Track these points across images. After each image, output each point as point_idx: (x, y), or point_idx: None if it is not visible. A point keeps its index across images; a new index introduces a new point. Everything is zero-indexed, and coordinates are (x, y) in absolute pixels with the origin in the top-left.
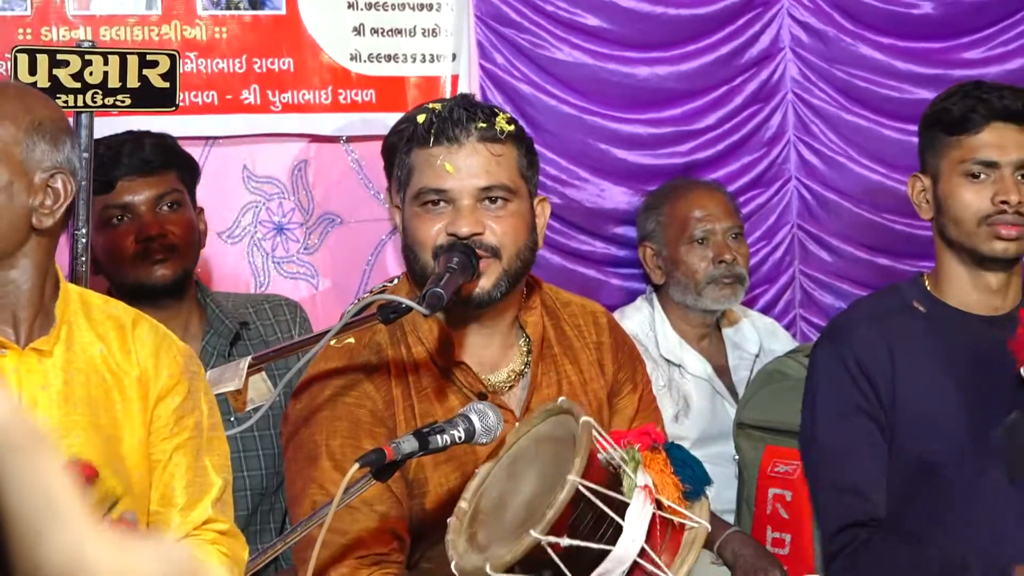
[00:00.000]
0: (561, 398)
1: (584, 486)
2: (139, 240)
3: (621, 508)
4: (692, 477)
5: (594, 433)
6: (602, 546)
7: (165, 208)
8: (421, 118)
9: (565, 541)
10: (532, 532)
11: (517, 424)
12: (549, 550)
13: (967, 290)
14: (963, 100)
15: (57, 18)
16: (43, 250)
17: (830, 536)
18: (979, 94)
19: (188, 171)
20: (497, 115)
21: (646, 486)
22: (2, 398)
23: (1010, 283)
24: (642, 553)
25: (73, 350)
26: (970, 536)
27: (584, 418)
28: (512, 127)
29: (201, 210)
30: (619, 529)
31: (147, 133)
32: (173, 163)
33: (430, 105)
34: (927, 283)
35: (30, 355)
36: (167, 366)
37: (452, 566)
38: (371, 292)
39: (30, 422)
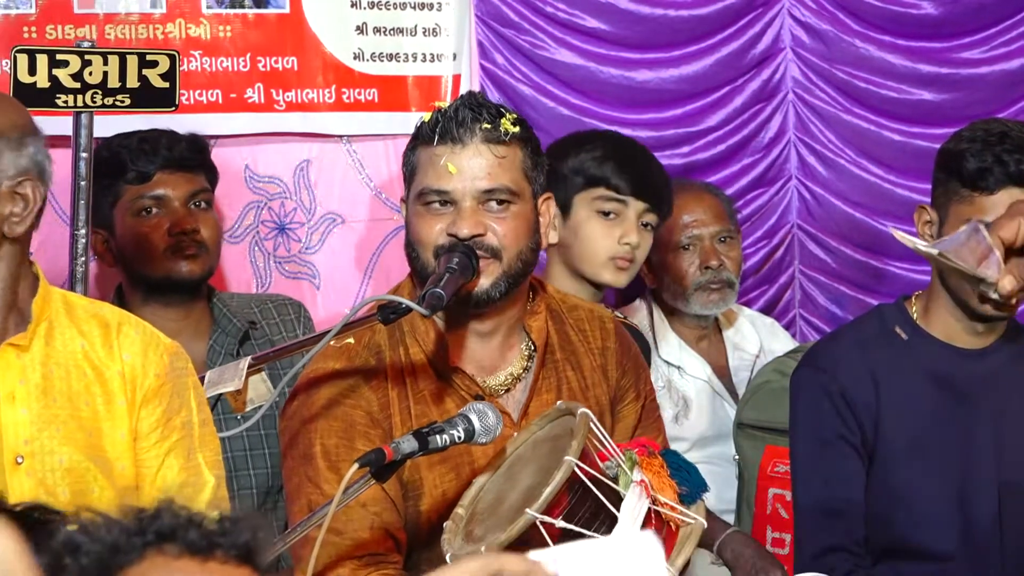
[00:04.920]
0: (559, 402)
1: (580, 467)
2: (172, 233)
3: (617, 502)
4: (689, 481)
5: (591, 425)
6: (596, 535)
7: (195, 206)
8: (427, 116)
9: (560, 523)
10: (528, 511)
11: (515, 434)
12: (543, 531)
13: (954, 328)
14: (981, 154)
15: (62, 16)
16: (16, 253)
17: (812, 557)
18: (999, 151)
19: (214, 174)
20: (503, 116)
21: (642, 481)
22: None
23: (997, 324)
24: None
25: (53, 345)
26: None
27: (582, 409)
28: (517, 128)
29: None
30: (615, 522)
31: (178, 133)
32: (205, 164)
33: (438, 103)
34: (913, 308)
35: (7, 351)
36: (154, 365)
37: (447, 559)
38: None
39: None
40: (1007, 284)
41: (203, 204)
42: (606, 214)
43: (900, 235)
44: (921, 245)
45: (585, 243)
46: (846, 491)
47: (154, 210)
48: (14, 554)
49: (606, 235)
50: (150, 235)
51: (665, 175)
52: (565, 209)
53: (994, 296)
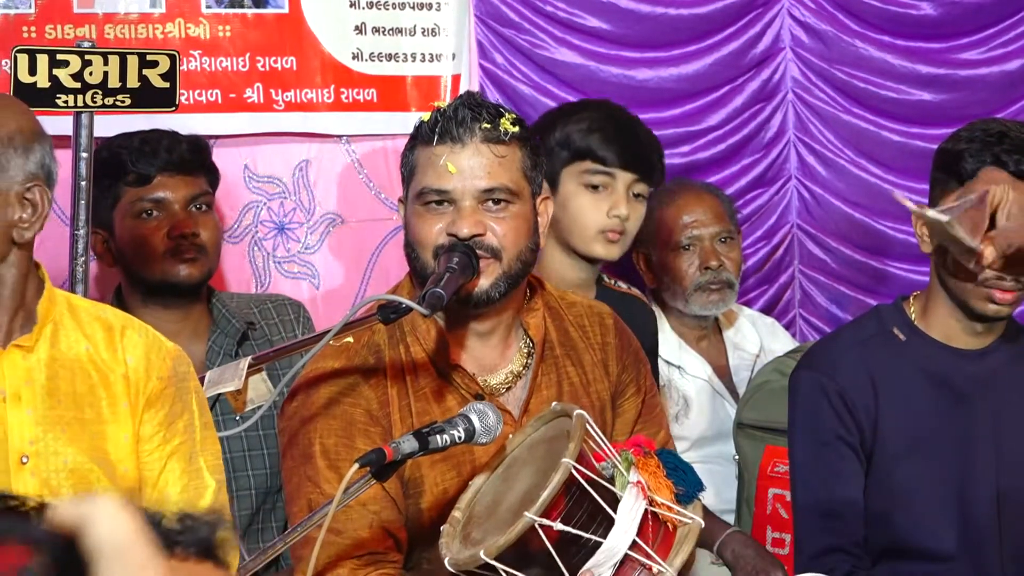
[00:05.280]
0: (554, 403)
1: (577, 469)
2: (172, 236)
3: (614, 504)
4: (685, 480)
5: (587, 426)
6: (594, 537)
7: (196, 209)
8: (427, 116)
9: (558, 525)
10: (526, 514)
11: (511, 436)
12: (541, 533)
13: (953, 329)
14: (980, 153)
15: (61, 16)
16: (23, 258)
17: (811, 557)
18: (998, 151)
19: (215, 176)
20: (502, 115)
21: (639, 482)
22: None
23: (996, 324)
24: (634, 546)
25: (58, 347)
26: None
27: (577, 411)
28: (517, 128)
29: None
30: (612, 524)
31: (180, 134)
32: (206, 166)
33: (437, 103)
34: (911, 309)
35: (14, 352)
36: (157, 369)
37: (446, 562)
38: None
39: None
40: (988, 254)
41: (203, 207)
42: (594, 187)
43: (902, 198)
44: (930, 212)
45: (574, 217)
46: (845, 492)
47: (154, 212)
48: (134, 533)
49: (595, 208)
50: (149, 238)
51: (654, 142)
52: (553, 183)
53: (973, 267)
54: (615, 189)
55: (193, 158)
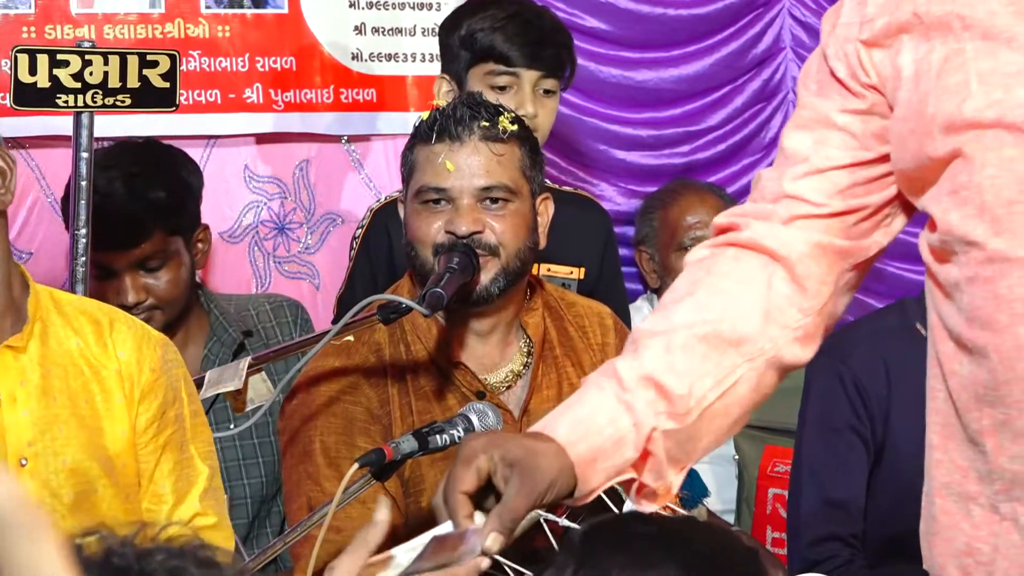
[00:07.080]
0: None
1: None
2: (120, 304)
3: (619, 503)
4: (689, 486)
5: None
6: None
7: (145, 273)
8: (426, 115)
9: (564, 521)
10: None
11: None
12: (546, 529)
13: None
14: None
15: (61, 16)
16: (4, 228)
17: (810, 543)
18: None
19: (182, 215)
20: (501, 114)
21: None
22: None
23: None
24: None
25: (49, 345)
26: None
27: None
28: (515, 126)
29: (205, 227)
30: None
31: (136, 185)
32: (159, 225)
33: (437, 102)
34: None
35: (5, 353)
36: (148, 360)
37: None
38: None
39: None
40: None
41: (155, 268)
42: (501, 88)
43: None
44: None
45: None
46: (850, 483)
47: (103, 276)
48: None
49: None
50: (106, 295)
51: (562, 36)
52: (461, 86)
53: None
54: (521, 89)
55: (131, 236)
